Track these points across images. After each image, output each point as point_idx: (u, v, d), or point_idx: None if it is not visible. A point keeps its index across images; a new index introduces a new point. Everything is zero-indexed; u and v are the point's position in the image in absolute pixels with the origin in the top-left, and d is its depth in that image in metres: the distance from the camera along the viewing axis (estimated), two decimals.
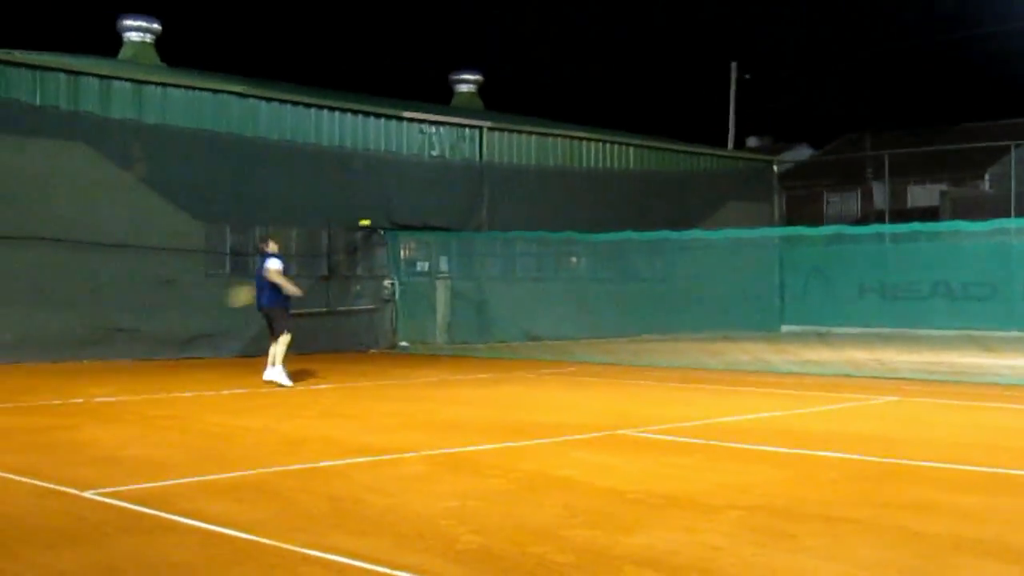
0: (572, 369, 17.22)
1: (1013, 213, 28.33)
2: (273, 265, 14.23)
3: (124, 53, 24.35)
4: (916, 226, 23.21)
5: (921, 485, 7.38)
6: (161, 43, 24.88)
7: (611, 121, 28.86)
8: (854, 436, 9.68)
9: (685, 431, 10.01)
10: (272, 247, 14.56)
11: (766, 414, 11.39)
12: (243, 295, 15.10)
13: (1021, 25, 36.81)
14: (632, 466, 8.12)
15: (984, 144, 35.96)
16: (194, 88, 20.12)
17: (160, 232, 19.15)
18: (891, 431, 10.17)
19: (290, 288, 14.32)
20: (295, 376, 14.66)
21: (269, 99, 20.99)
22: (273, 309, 14.34)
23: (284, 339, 14.23)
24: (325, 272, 21.09)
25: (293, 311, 14.83)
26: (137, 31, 24.51)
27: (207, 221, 19.90)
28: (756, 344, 21.37)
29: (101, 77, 18.87)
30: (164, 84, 19.73)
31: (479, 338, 22.44)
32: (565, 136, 26.00)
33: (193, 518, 6.21)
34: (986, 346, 20.09)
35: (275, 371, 14.21)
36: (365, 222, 15.75)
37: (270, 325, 14.46)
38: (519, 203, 24.17)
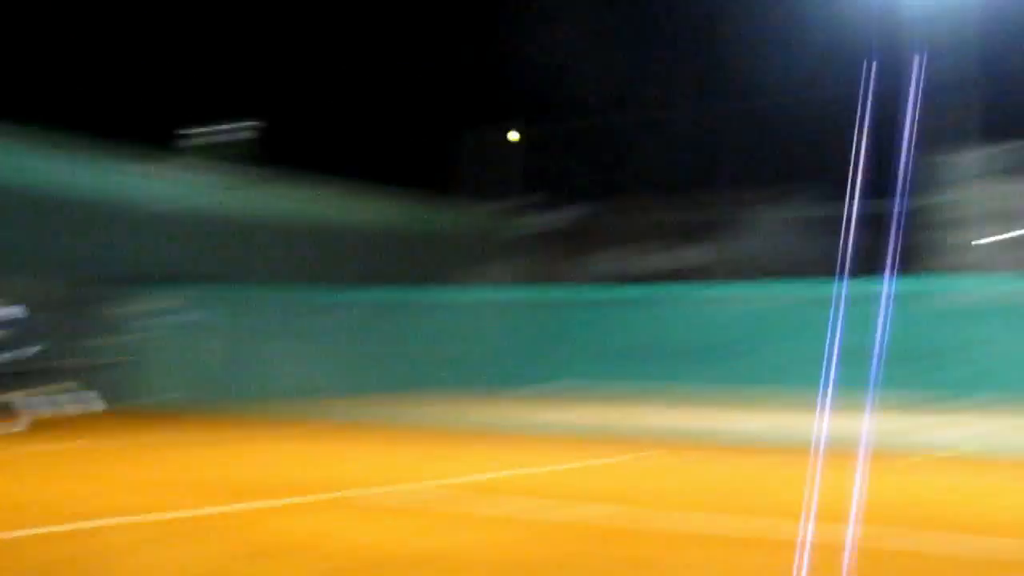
0: (323, 426, 16.93)
1: (757, 274, 29.93)
2: None
3: None
4: (661, 287, 24.25)
5: (658, 539, 7.59)
6: None
7: (376, 175, 28.98)
8: (598, 491, 9.89)
9: (425, 491, 9.97)
10: None
11: (515, 470, 11.48)
12: None
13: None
14: (381, 526, 8.01)
15: (734, 210, 38.03)
16: None
17: None
18: (634, 486, 10.45)
19: None
20: (24, 433, 13.83)
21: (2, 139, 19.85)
22: None
23: None
24: (71, 326, 20.00)
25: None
26: None
27: None
28: (504, 402, 21.65)
29: None
30: None
31: (229, 394, 21.75)
32: (331, 189, 25.83)
33: None
34: (731, 402, 21.05)
35: None
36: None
37: None
38: (275, 256, 23.77)
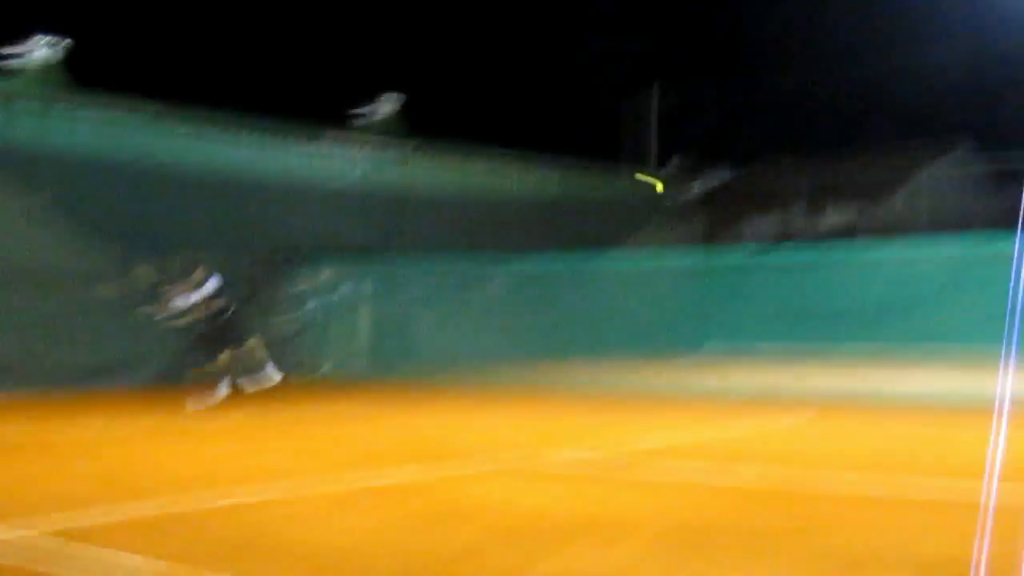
0: (493, 393, 17.20)
1: (922, 232, 29.04)
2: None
3: (28, 73, 23.74)
4: (831, 246, 23.70)
5: (832, 501, 7.50)
6: (70, 63, 24.31)
7: (532, 144, 28.98)
8: (768, 454, 9.81)
9: (601, 453, 10.04)
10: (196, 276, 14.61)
11: (682, 434, 11.47)
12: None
13: (930, 56, 37.72)
14: (549, 490, 8.13)
15: (896, 167, 36.90)
16: (103, 110, 19.72)
17: (68, 259, 18.69)
18: (805, 448, 10.32)
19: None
20: (216, 405, 14.48)
21: (183, 122, 20.68)
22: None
23: None
24: (242, 297, 20.76)
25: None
26: (44, 49, 23.90)
27: (116, 247, 19.48)
28: (675, 365, 21.56)
29: (3, 98, 18.40)
30: (71, 106, 19.30)
31: (400, 362, 22.30)
32: (486, 159, 26.06)
33: (100, 549, 6.05)
34: (898, 363, 20.49)
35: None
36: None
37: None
38: (441, 227, 24.13)
